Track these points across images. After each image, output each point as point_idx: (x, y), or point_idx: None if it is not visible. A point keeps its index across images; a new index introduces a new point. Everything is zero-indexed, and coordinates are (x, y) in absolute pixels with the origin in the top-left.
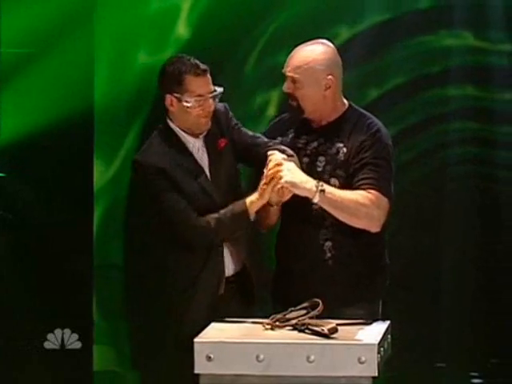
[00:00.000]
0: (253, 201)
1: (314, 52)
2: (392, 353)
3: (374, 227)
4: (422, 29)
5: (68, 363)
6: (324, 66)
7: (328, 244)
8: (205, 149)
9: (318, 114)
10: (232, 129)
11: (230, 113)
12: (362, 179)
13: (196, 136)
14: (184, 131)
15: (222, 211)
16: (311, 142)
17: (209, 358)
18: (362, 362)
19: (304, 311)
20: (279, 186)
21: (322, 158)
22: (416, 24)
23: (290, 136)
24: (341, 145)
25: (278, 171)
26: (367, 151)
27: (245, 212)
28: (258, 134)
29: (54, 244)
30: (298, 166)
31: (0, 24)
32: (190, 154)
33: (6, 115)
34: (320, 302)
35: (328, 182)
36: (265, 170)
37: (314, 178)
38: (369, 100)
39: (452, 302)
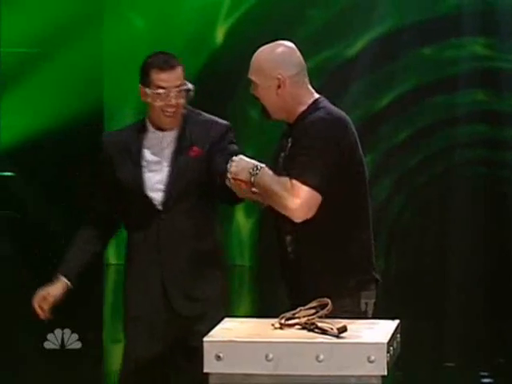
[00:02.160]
0: None
1: (263, 52)
2: (401, 352)
3: (293, 217)
4: (432, 37)
5: (68, 363)
6: (273, 65)
7: (288, 238)
8: (172, 146)
9: (282, 114)
10: (219, 147)
11: (231, 134)
12: (290, 170)
13: (164, 130)
14: (152, 124)
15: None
16: (286, 139)
17: (218, 358)
18: (371, 361)
19: (313, 310)
20: (229, 180)
21: (282, 154)
22: (426, 32)
23: (282, 136)
24: (289, 139)
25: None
26: (298, 144)
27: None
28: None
29: (60, 243)
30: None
31: (7, 24)
32: (141, 144)
33: (16, 115)
34: (329, 301)
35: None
36: None
37: (278, 173)
38: (380, 106)
39: (461, 301)
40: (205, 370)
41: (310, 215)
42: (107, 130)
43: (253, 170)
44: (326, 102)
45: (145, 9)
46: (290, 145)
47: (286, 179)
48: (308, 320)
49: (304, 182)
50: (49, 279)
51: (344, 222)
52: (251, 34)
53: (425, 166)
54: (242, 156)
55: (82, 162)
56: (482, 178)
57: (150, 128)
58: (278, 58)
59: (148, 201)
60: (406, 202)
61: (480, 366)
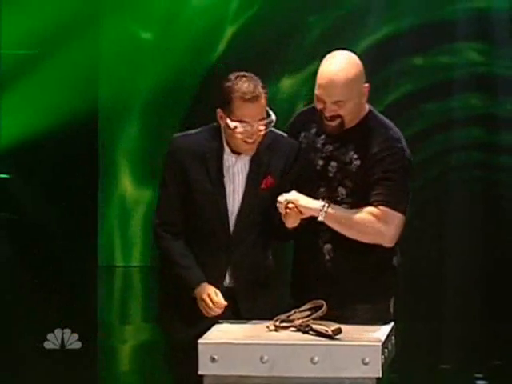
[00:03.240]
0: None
1: (347, 67)
2: (396, 354)
3: (385, 242)
4: (427, 43)
5: (68, 363)
6: (360, 77)
7: (327, 246)
8: (246, 169)
9: (353, 120)
10: (292, 176)
11: (302, 163)
12: (373, 195)
13: (237, 153)
14: (227, 143)
15: (185, 263)
16: (328, 144)
17: (213, 359)
18: (365, 363)
19: (308, 312)
20: (283, 206)
21: (334, 164)
22: (421, 39)
23: (313, 132)
24: (355, 155)
25: (278, 201)
26: (379, 166)
27: (190, 287)
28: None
29: (58, 244)
30: None
31: (6, 26)
32: (221, 161)
33: (11, 117)
34: (324, 303)
35: (335, 190)
36: None
37: (323, 184)
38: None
39: (456, 304)
40: (199, 372)
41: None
42: (102, 131)
43: (322, 204)
44: (377, 113)
45: (143, 10)
46: (350, 153)
47: (360, 209)
48: (303, 322)
49: (395, 209)
50: (44, 280)
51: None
52: (252, 43)
53: (421, 169)
54: (294, 192)
55: (79, 162)
56: (477, 180)
57: (226, 149)
58: (361, 70)
59: (224, 228)
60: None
61: (475, 368)
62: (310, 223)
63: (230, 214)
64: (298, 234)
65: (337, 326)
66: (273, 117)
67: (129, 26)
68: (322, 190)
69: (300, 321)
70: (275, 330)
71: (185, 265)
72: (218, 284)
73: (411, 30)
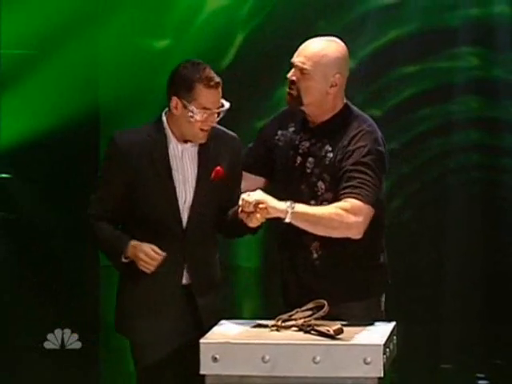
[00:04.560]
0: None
1: (330, 47)
2: (397, 354)
3: (353, 234)
4: (430, 48)
5: (68, 363)
6: (336, 63)
7: (315, 244)
8: (195, 160)
9: (314, 108)
10: (238, 171)
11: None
12: (342, 188)
13: (184, 142)
14: (173, 133)
15: (113, 233)
16: (305, 140)
17: (214, 359)
18: (367, 363)
19: (309, 312)
20: (251, 205)
21: (311, 160)
22: (424, 44)
23: (291, 130)
24: (329, 148)
25: (245, 199)
26: (349, 158)
27: (120, 251)
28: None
29: (58, 244)
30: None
31: (7, 26)
32: (166, 152)
33: (11, 116)
34: (325, 302)
35: (315, 185)
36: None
37: (303, 180)
38: (384, 110)
39: (457, 304)
40: (201, 372)
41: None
42: (103, 132)
43: (288, 205)
44: (354, 108)
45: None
46: (325, 147)
47: (337, 203)
48: (304, 322)
49: (364, 201)
50: (43, 280)
51: (374, 228)
52: (263, 48)
53: (419, 172)
54: (260, 192)
55: (79, 162)
56: (477, 182)
57: (172, 139)
58: (341, 59)
59: (176, 220)
60: (404, 206)
61: (476, 368)
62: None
63: (181, 205)
64: (253, 231)
65: (338, 325)
66: (227, 104)
67: (130, 27)
68: (302, 186)
69: (302, 320)
70: (277, 330)
71: (110, 235)
72: (176, 282)
73: (414, 36)
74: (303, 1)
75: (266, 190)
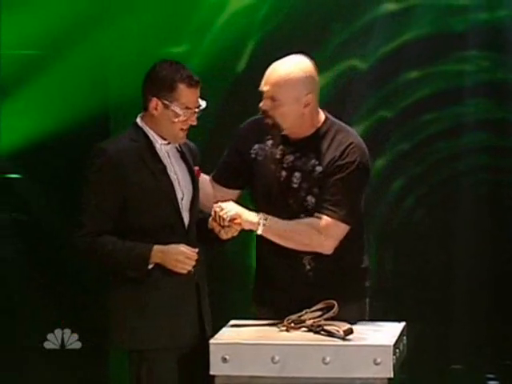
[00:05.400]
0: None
1: (295, 69)
2: (407, 354)
3: (324, 251)
4: (441, 51)
5: (68, 363)
6: (304, 83)
7: (307, 257)
8: (179, 159)
9: (295, 130)
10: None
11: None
12: (323, 200)
13: (164, 141)
14: (154, 132)
15: (127, 244)
16: (288, 154)
17: (224, 360)
18: (377, 364)
19: (319, 313)
20: (226, 221)
21: (297, 174)
22: (435, 47)
23: (269, 144)
24: (316, 162)
25: (222, 211)
26: (332, 173)
27: (145, 258)
28: None
29: (65, 245)
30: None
31: (14, 26)
32: (155, 153)
33: (22, 116)
34: (335, 303)
35: (304, 200)
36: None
37: (290, 195)
38: (393, 113)
39: (467, 304)
40: (211, 372)
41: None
42: (113, 133)
43: (260, 218)
44: (334, 119)
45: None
46: (312, 161)
47: (300, 220)
48: (314, 322)
49: (340, 220)
50: (54, 280)
51: (357, 235)
52: (276, 53)
53: (429, 173)
54: (233, 204)
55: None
56: (486, 183)
57: (157, 139)
58: (309, 76)
59: (178, 218)
60: (415, 207)
61: (486, 368)
62: None
63: (181, 205)
64: (222, 243)
65: (348, 326)
66: (204, 103)
67: (138, 29)
68: (290, 201)
69: (311, 321)
70: (286, 331)
71: (123, 246)
72: (192, 283)
73: (425, 40)
74: (318, 2)
75: (238, 201)
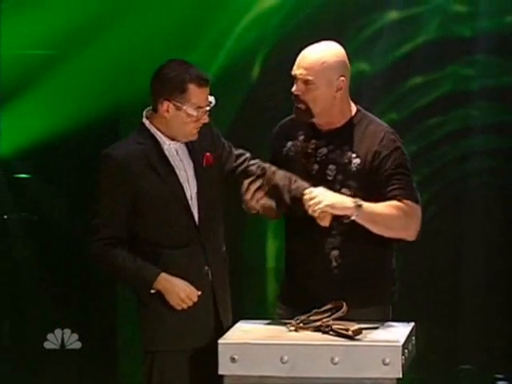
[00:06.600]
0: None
1: (328, 52)
2: (416, 354)
3: (410, 236)
4: (449, 55)
5: (68, 363)
6: (337, 66)
7: (334, 253)
8: (189, 158)
9: (326, 116)
10: (220, 147)
11: (216, 131)
12: (391, 190)
13: (174, 140)
14: (162, 133)
15: (137, 263)
16: (320, 147)
17: (233, 360)
18: (386, 364)
19: (328, 313)
20: (319, 211)
21: (332, 167)
22: (444, 51)
23: (301, 139)
24: (353, 155)
25: (313, 200)
26: (387, 162)
27: (150, 283)
28: (241, 151)
29: (77, 245)
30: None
31: (25, 27)
32: (163, 155)
33: (32, 117)
34: (344, 303)
35: (339, 192)
36: None
37: (325, 187)
38: (404, 116)
39: (476, 303)
40: (220, 372)
41: None
42: (123, 133)
43: (355, 201)
44: (365, 112)
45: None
46: (348, 154)
47: (388, 203)
48: (323, 322)
49: (415, 202)
50: (64, 280)
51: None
52: (289, 61)
53: (437, 176)
54: (321, 188)
55: (99, 164)
56: (494, 185)
57: (165, 140)
58: (342, 60)
59: (189, 217)
60: (423, 209)
61: (495, 369)
62: (316, 228)
63: (191, 203)
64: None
65: (357, 326)
66: (213, 99)
67: (148, 30)
68: None
69: (320, 321)
70: (295, 331)
71: (132, 264)
72: (204, 281)
73: (433, 45)
74: (328, 11)
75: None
